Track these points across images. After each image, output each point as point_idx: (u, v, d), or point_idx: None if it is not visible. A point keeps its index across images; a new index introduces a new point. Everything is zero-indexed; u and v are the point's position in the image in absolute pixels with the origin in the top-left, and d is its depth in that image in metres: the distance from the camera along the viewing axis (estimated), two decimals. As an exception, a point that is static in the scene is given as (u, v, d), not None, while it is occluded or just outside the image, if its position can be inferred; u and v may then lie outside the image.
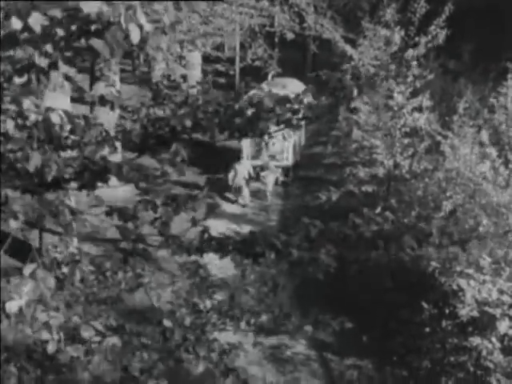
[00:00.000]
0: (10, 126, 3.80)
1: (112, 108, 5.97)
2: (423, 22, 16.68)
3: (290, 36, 26.98)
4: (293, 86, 26.11)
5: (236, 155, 22.18)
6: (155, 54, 20.58)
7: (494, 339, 12.37)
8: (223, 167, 21.35)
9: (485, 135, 14.18)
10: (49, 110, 3.93)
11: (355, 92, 5.53)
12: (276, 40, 27.54)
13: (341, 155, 21.07)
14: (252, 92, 23.93)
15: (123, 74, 25.72)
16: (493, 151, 13.86)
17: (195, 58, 23.71)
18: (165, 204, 5.09)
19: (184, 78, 8.20)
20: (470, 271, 12.46)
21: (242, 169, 21.31)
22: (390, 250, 5.47)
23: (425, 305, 13.59)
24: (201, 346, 5.56)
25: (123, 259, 5.00)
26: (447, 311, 13.41)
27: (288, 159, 22.53)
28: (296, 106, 5.53)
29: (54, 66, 3.33)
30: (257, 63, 26.53)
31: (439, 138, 16.47)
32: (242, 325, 6.73)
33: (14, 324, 4.48)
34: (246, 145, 22.60)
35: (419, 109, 17.14)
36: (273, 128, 6.02)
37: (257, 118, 5.28)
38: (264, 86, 23.87)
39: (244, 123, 5.23)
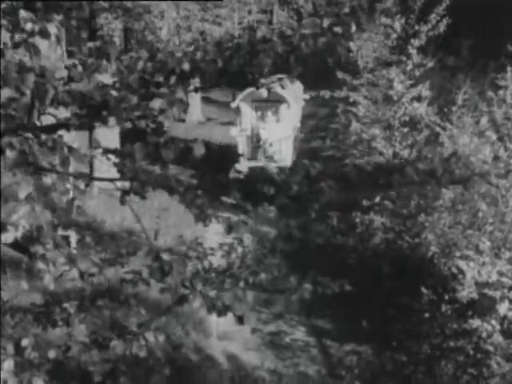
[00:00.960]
0: (6, 38, 3.75)
1: (108, 59, 5.91)
2: (424, 11, 16.71)
3: (289, 33, 26.95)
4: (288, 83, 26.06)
5: (232, 157, 21.92)
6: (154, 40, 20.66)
7: (493, 322, 12.31)
8: (218, 169, 20.65)
9: (484, 120, 14.14)
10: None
11: (353, 28, 5.45)
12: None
13: (340, 148, 21.04)
14: (248, 90, 23.93)
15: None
16: (492, 134, 13.82)
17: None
18: (163, 145, 5.05)
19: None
20: (470, 253, 12.41)
21: (242, 170, 21.08)
22: (391, 185, 5.39)
23: (424, 290, 13.53)
24: (198, 281, 5.49)
25: (120, 198, 4.94)
26: (446, 297, 13.36)
27: (286, 160, 22.16)
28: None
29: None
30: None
31: (438, 129, 16.46)
32: (241, 284, 6.66)
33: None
34: (243, 144, 22.35)
35: (418, 98, 17.14)
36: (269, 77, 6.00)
37: (255, 52, 5.23)
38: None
39: (242, 60, 5.17)
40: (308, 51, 5.18)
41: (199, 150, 4.83)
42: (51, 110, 5.45)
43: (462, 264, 12.24)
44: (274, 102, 24.34)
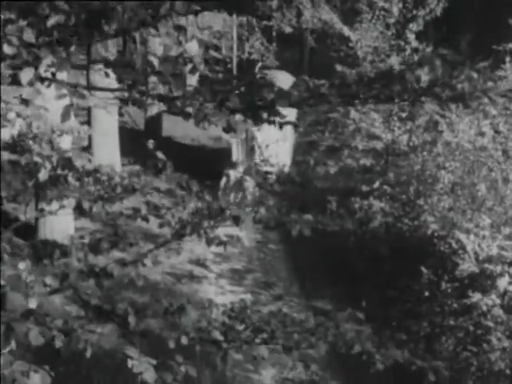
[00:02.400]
0: None
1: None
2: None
3: (287, 29, 27.03)
4: (282, 78, 25.83)
5: (227, 160, 21.17)
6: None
7: (494, 296, 12.25)
8: (212, 173, 19.51)
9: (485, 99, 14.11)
10: None
11: None
12: (274, 34, 27.61)
13: (338, 139, 21.06)
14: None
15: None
16: (493, 111, 13.81)
17: (193, 45, 23.61)
18: (165, 59, 5.02)
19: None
20: (470, 226, 12.38)
21: (236, 174, 20.00)
22: (392, 97, 5.36)
23: (424, 269, 13.47)
24: (194, 183, 5.47)
25: (119, 110, 4.90)
26: (446, 275, 13.31)
27: (284, 164, 20.69)
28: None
29: None
30: (254, 56, 26.58)
31: (437, 116, 16.49)
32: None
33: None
34: (237, 148, 21.02)
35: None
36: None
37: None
38: None
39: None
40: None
41: (195, 71, 4.81)
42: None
43: (462, 237, 12.19)
44: None
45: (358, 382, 13.01)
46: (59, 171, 6.32)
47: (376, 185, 16.99)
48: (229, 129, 4.84)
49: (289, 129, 21.93)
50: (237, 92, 5.10)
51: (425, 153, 16.45)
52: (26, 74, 4.09)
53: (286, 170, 20.66)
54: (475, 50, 24.78)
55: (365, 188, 17.07)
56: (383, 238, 15.76)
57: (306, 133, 24.22)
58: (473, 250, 12.04)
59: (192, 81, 5.28)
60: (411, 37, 16.66)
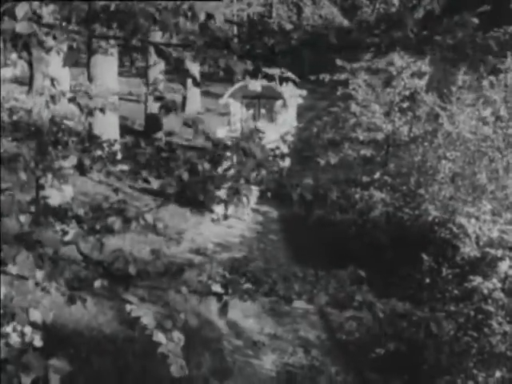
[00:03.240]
0: None
1: None
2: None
3: (288, 26, 27.10)
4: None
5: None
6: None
7: (495, 280, 12.20)
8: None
9: (486, 83, 14.13)
10: None
11: None
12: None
13: (339, 133, 20.98)
14: (238, 85, 22.74)
15: (120, 69, 25.74)
16: (496, 97, 13.81)
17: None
18: (165, 9, 5.02)
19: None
20: (471, 210, 12.35)
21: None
22: (393, 45, 5.33)
23: (425, 257, 13.44)
24: (200, 120, 5.47)
25: (119, 60, 4.89)
26: (447, 264, 13.28)
27: (288, 131, 20.85)
28: None
29: None
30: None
31: (438, 109, 16.49)
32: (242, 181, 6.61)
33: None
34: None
35: (419, 75, 17.14)
36: None
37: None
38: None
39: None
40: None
41: (195, 18, 4.80)
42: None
43: (463, 221, 12.16)
44: (268, 98, 22.41)
45: (358, 368, 12.98)
46: (60, 135, 6.33)
47: (376, 175, 16.98)
48: (227, 69, 4.82)
49: (289, 126, 21.91)
50: (237, 39, 5.10)
51: (425, 143, 16.46)
52: (22, 9, 4.07)
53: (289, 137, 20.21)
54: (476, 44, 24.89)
55: (365, 179, 17.07)
56: (384, 227, 15.74)
57: (305, 129, 24.23)
58: (474, 232, 12.01)
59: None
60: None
